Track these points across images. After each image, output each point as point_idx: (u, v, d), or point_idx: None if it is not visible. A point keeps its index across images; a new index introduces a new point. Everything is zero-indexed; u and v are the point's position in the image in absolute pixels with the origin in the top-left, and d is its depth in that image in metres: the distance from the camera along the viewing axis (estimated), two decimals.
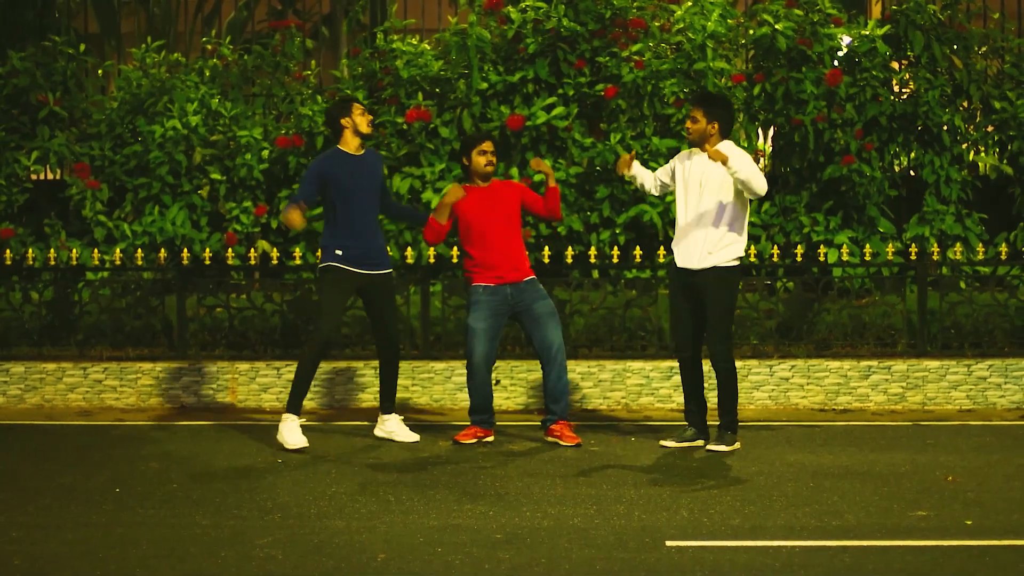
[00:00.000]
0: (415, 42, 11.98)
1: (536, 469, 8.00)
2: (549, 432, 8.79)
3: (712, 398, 8.75)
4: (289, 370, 10.10)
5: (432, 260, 10.89)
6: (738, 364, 10.10)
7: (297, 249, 11.00)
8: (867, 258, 10.96)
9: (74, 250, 11.27)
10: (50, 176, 12.82)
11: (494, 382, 10.19)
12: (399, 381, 9.13)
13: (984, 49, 12.00)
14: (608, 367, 10.39)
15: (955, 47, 11.76)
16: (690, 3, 11.57)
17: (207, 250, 11.19)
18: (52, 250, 11.32)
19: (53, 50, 12.19)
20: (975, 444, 8.76)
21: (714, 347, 8.45)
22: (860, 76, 11.48)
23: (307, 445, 8.51)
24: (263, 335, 10.88)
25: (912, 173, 11.90)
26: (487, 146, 8.93)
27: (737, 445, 8.51)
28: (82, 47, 12.37)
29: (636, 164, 8.72)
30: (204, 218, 11.66)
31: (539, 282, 8.94)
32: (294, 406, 8.63)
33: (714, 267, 8.39)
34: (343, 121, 8.74)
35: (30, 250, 11.24)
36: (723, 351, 8.45)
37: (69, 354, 10.88)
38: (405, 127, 11.53)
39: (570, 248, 10.96)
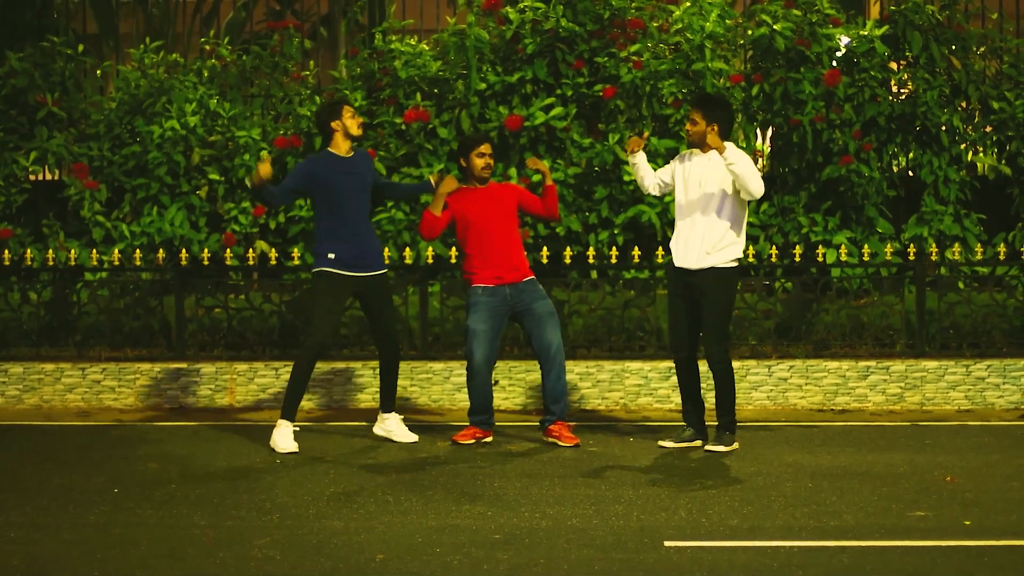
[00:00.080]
0: (413, 42, 11.98)
1: (534, 470, 7.99)
2: (548, 432, 8.79)
3: (710, 398, 8.75)
4: (287, 370, 10.09)
5: (430, 260, 10.89)
6: (736, 364, 10.11)
7: (295, 249, 11.00)
8: (865, 258, 10.96)
9: (72, 250, 11.27)
10: (48, 176, 12.82)
11: (493, 383, 10.19)
12: (398, 381, 9.12)
13: (982, 49, 12.01)
14: (606, 367, 10.39)
15: (953, 47, 11.77)
16: (688, 3, 11.57)
17: (205, 251, 11.19)
18: (50, 250, 11.32)
19: (51, 51, 12.20)
20: (974, 444, 8.76)
21: (711, 347, 8.45)
22: (858, 76, 11.49)
23: (297, 451, 8.50)
24: (261, 335, 10.88)
25: (910, 173, 11.91)
26: (485, 148, 8.93)
27: (735, 445, 8.51)
28: (80, 48, 12.38)
29: (642, 154, 8.72)
30: (202, 219, 11.66)
31: (538, 282, 8.94)
32: (288, 412, 8.62)
33: (712, 267, 8.39)
34: (333, 124, 8.74)
35: (28, 250, 11.24)
36: (720, 351, 8.45)
37: (67, 354, 10.88)
38: (403, 127, 11.53)
39: (568, 248, 10.96)
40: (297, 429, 8.70)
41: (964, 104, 11.87)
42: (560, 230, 11.22)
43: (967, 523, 6.59)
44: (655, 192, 8.80)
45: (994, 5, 12.57)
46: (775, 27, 11.32)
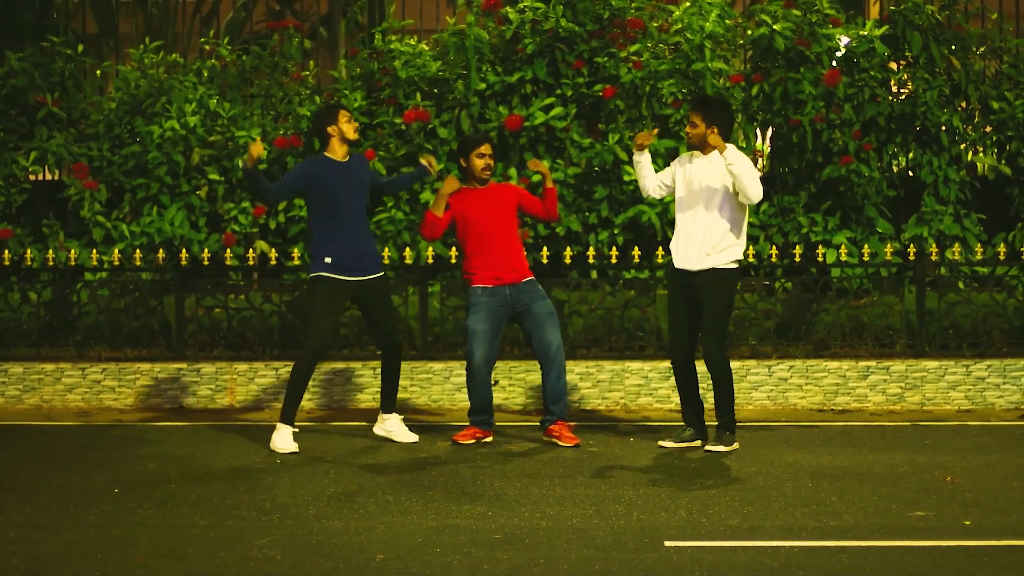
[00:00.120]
0: (413, 42, 11.98)
1: (535, 470, 7.99)
2: (548, 432, 8.79)
3: (709, 399, 8.75)
4: (287, 370, 10.10)
5: (431, 261, 10.89)
6: (737, 364, 10.12)
7: (295, 249, 11.00)
8: (865, 258, 10.96)
9: (72, 251, 11.27)
10: (48, 177, 12.82)
11: (493, 383, 10.20)
12: (399, 382, 9.12)
13: (982, 49, 12.01)
14: (607, 367, 10.39)
15: (953, 47, 11.77)
16: (688, 3, 11.57)
17: (205, 251, 11.19)
18: (50, 251, 11.32)
19: (51, 51, 12.20)
20: (974, 444, 8.76)
21: (709, 348, 8.45)
22: (858, 76, 11.49)
23: (297, 451, 8.50)
24: (261, 336, 10.87)
25: (910, 173, 11.91)
26: (485, 149, 8.93)
27: (736, 445, 8.51)
28: (80, 48, 12.37)
29: (648, 155, 8.72)
30: (202, 219, 11.66)
31: (537, 283, 8.95)
32: (287, 416, 8.62)
33: (713, 268, 8.39)
34: (329, 129, 8.75)
35: (28, 250, 11.24)
36: (718, 353, 8.44)
37: (67, 355, 10.88)
38: (403, 127, 11.53)
39: (568, 249, 10.96)
40: (296, 430, 8.70)
41: (964, 104, 11.87)
42: (560, 230, 11.22)
43: (967, 523, 6.59)
44: (656, 195, 8.79)
45: (994, 5, 12.57)
46: (775, 27, 11.32)
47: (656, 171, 8.84)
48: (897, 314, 10.68)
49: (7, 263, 11.15)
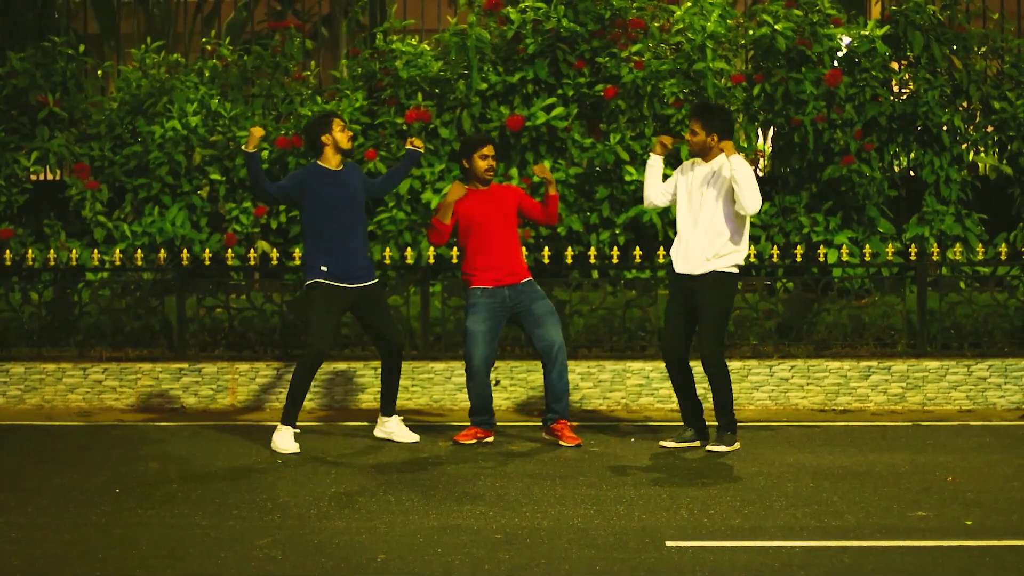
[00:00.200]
0: (415, 42, 11.98)
1: (536, 470, 7.99)
2: (549, 431, 8.79)
3: (707, 399, 8.74)
4: (289, 371, 10.11)
5: (432, 260, 10.89)
6: (738, 364, 10.13)
7: (297, 250, 10.99)
8: (867, 258, 10.96)
9: (74, 251, 11.27)
10: (50, 177, 12.82)
11: (494, 383, 10.20)
12: (399, 382, 9.12)
13: (984, 49, 12.01)
14: (608, 367, 10.39)
15: (955, 47, 11.77)
16: (689, 3, 11.56)
17: (207, 251, 11.19)
18: (52, 251, 11.32)
19: (52, 51, 12.20)
20: (975, 444, 8.76)
21: (705, 350, 8.44)
22: (860, 76, 11.48)
23: (298, 451, 8.51)
24: (263, 336, 10.88)
25: (912, 173, 11.90)
26: (488, 150, 8.93)
27: (737, 445, 8.51)
28: (81, 48, 12.38)
29: (661, 159, 8.74)
30: (204, 219, 11.66)
31: (536, 283, 8.95)
32: (288, 418, 8.62)
33: (713, 271, 8.41)
34: (323, 138, 8.74)
35: (30, 251, 11.24)
36: (714, 355, 8.43)
37: (69, 355, 10.88)
38: (405, 128, 11.53)
39: (570, 248, 10.96)
40: (298, 430, 8.70)
41: (965, 104, 11.87)
42: (561, 230, 11.22)
43: (968, 523, 6.58)
44: (659, 203, 8.79)
45: (995, 5, 12.56)
46: (776, 27, 11.32)
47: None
48: (898, 314, 10.68)
49: (9, 263, 11.15)
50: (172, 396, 10.54)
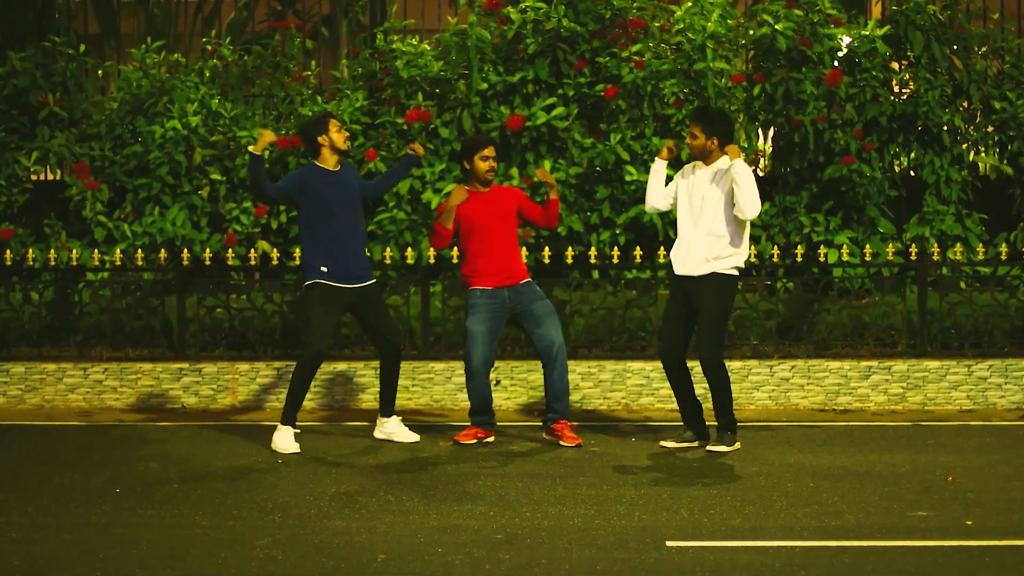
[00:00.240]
0: (415, 42, 11.98)
1: (536, 470, 7.99)
2: (550, 431, 8.79)
3: (707, 399, 8.74)
4: (289, 371, 10.10)
5: (432, 261, 10.89)
6: (738, 364, 10.13)
7: (297, 250, 10.99)
8: (867, 258, 10.96)
9: (74, 251, 11.27)
10: (50, 177, 12.83)
11: (494, 383, 10.20)
12: (399, 382, 9.12)
13: (984, 49, 12.01)
14: (608, 367, 10.39)
15: (955, 47, 11.77)
16: (690, 3, 11.56)
17: (207, 251, 11.19)
18: (52, 251, 11.33)
19: (53, 51, 12.20)
20: (975, 444, 8.76)
21: (704, 352, 8.42)
22: (860, 76, 11.48)
23: (299, 451, 8.51)
24: (263, 336, 10.88)
25: (912, 173, 11.90)
26: (489, 151, 8.93)
27: (737, 445, 8.51)
28: (82, 48, 12.38)
29: (664, 164, 8.75)
30: (204, 219, 11.66)
31: (535, 284, 8.95)
32: (288, 418, 8.63)
33: (713, 272, 8.41)
34: (320, 139, 8.75)
35: (30, 251, 11.24)
36: (713, 357, 8.42)
37: (69, 355, 10.88)
38: (405, 127, 11.53)
39: (570, 248, 10.96)
40: (298, 430, 8.70)
41: (966, 104, 11.87)
42: (562, 230, 11.21)
43: (969, 523, 6.58)
44: (661, 207, 8.80)
45: (995, 5, 12.56)
46: (776, 27, 11.32)
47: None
48: (899, 314, 10.68)
49: (9, 263, 11.15)
50: (172, 396, 10.54)
